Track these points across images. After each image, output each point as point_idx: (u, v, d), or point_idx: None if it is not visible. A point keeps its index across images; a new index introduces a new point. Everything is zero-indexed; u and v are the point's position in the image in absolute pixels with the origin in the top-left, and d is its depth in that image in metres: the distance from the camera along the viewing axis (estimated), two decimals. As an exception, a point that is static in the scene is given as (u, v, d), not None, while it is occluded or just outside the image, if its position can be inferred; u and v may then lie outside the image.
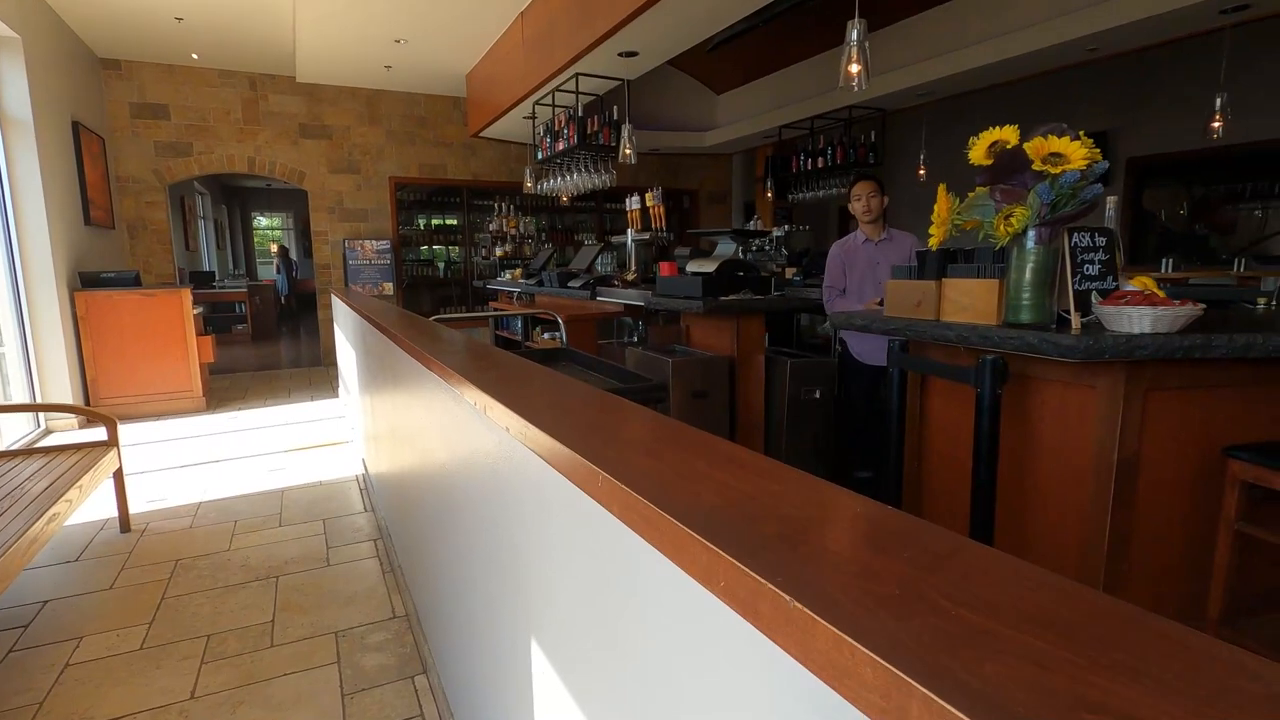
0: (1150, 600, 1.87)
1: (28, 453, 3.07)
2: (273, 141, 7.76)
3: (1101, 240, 1.73)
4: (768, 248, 4.55)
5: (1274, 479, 1.65)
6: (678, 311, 3.61)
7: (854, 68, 2.64)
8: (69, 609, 2.56)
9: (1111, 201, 1.89)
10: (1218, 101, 4.08)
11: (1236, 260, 5.90)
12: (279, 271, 14.13)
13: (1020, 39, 4.62)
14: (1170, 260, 5.95)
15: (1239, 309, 2.60)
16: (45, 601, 2.62)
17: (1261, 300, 2.62)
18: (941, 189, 1.79)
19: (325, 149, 8.01)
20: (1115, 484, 1.75)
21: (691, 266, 3.35)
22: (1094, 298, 1.71)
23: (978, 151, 1.65)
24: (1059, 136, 1.56)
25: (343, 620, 2.44)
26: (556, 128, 5.43)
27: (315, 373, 7.83)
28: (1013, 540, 1.96)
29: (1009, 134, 1.60)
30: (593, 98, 5.28)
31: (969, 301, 1.85)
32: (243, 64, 7.33)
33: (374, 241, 8.28)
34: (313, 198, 8.07)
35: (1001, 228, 1.65)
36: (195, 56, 7.03)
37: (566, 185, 5.78)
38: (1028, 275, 1.70)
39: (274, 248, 15.11)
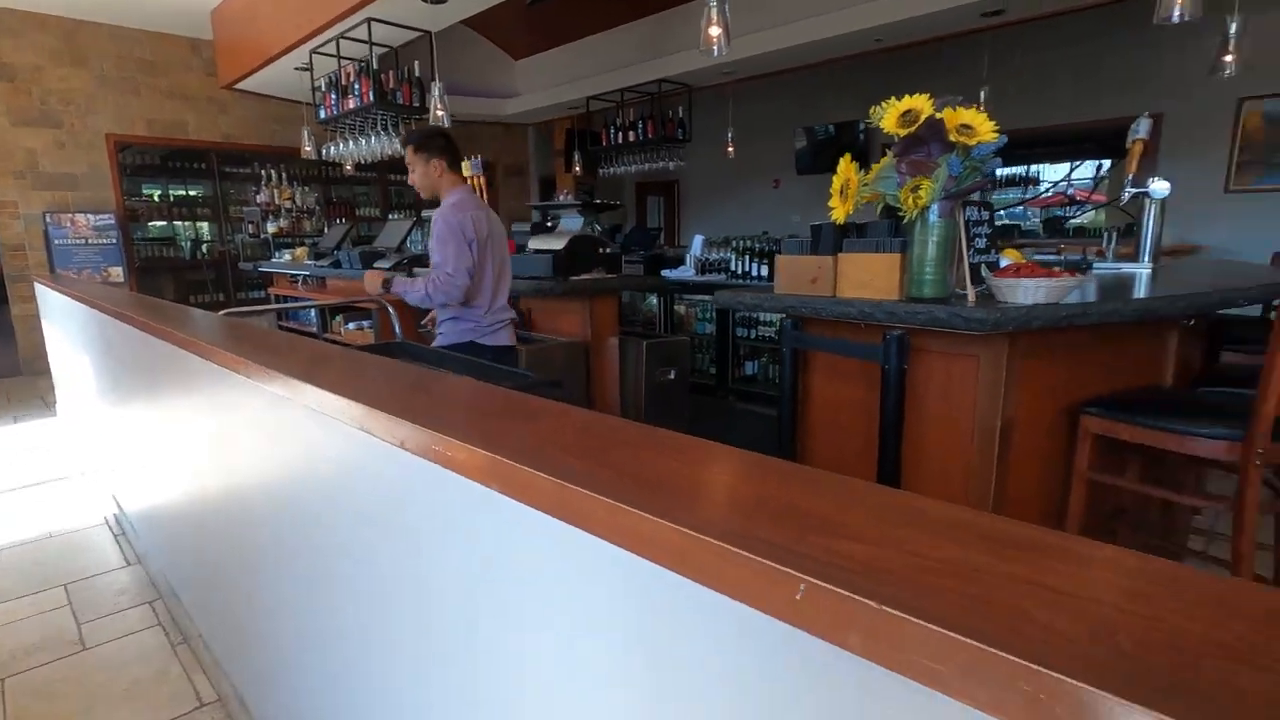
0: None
1: None
2: (-83, 79, 5.76)
3: (985, 214, 1.79)
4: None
5: (1120, 430, 1.85)
6: (517, 294, 3.27)
7: (714, 30, 2.51)
8: None
9: (981, 177, 1.97)
10: (982, 94, 4.69)
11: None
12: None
13: (816, 25, 4.89)
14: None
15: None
16: None
17: (1058, 268, 3.02)
18: (845, 160, 1.72)
19: (5, 94, 6.14)
20: (998, 446, 1.85)
21: (535, 243, 3.04)
22: (983, 270, 1.76)
23: (890, 120, 1.59)
24: (963, 109, 1.55)
25: (125, 725, 1.82)
26: (344, 82, 4.65)
27: (15, 385, 6.08)
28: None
29: (921, 103, 1.56)
30: (386, 49, 4.61)
31: (868, 277, 1.82)
32: None
33: (91, 215, 6.60)
34: (-10, 157, 6.18)
35: (910, 200, 1.62)
36: None
37: (358, 151, 5.01)
38: (930, 249, 1.70)
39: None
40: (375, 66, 4.39)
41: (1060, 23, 5.34)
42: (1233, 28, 3.01)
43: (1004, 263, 1.83)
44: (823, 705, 0.44)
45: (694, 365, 5.47)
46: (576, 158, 7.07)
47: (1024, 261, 1.78)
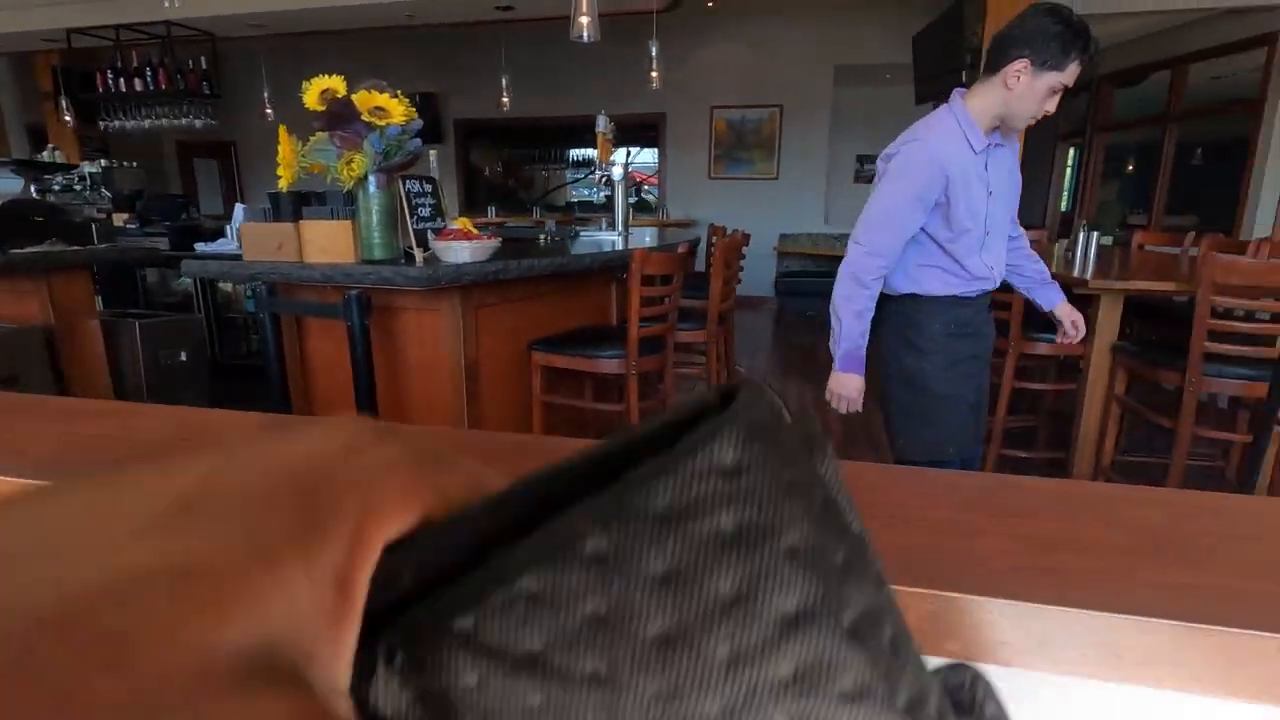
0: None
1: None
2: None
3: (428, 187, 2.08)
4: (78, 187, 3.62)
5: (555, 360, 2.38)
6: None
7: (160, -21, 2.29)
8: None
9: (433, 154, 2.27)
10: (503, 81, 5.19)
11: (535, 209, 7.79)
12: None
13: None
14: (494, 208, 7.43)
15: (531, 243, 3.52)
16: None
17: (543, 237, 3.61)
18: (283, 130, 1.81)
19: None
20: (466, 383, 2.21)
21: (-51, 209, 2.41)
22: (430, 235, 2.06)
23: (311, 97, 1.73)
24: (380, 92, 1.78)
25: None
26: None
27: None
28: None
29: (337, 83, 1.73)
30: None
31: (328, 242, 1.96)
32: None
33: None
34: None
35: (345, 172, 1.80)
36: None
37: None
38: (374, 216, 1.91)
39: None
40: None
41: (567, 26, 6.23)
42: (654, 51, 3.96)
43: (453, 228, 2.16)
44: None
45: (250, 346, 5.03)
46: (65, 104, 5.67)
47: (469, 228, 2.13)
